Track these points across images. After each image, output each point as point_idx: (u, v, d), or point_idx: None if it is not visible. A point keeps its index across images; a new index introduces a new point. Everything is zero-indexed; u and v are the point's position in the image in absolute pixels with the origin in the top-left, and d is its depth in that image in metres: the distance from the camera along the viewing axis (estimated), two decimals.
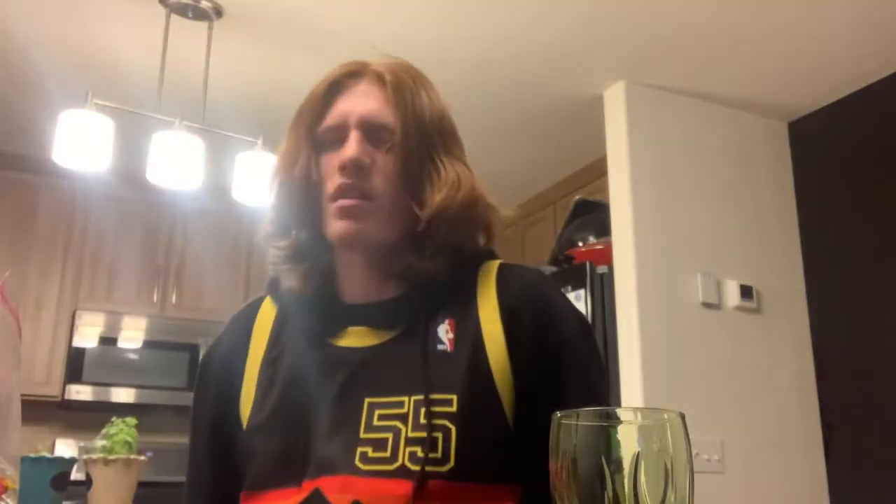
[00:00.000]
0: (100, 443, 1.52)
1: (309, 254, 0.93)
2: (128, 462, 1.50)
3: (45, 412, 3.90)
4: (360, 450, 0.80)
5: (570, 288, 3.00)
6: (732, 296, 3.05)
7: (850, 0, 2.62)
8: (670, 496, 0.48)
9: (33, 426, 3.87)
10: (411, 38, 2.88)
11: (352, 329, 0.89)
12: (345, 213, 0.87)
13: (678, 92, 3.20)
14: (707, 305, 3.00)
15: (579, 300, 2.96)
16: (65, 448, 3.91)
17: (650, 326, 2.85)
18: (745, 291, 3.07)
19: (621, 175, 3.07)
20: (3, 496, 0.74)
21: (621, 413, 0.50)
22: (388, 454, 0.78)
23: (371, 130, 0.89)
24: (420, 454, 0.77)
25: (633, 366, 2.81)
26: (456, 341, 0.85)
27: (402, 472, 0.77)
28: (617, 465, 0.48)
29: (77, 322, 3.90)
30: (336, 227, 0.88)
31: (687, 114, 3.23)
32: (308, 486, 0.80)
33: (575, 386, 0.85)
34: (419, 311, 0.88)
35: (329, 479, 0.79)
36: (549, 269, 3.25)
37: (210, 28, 2.79)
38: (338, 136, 0.90)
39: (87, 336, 3.91)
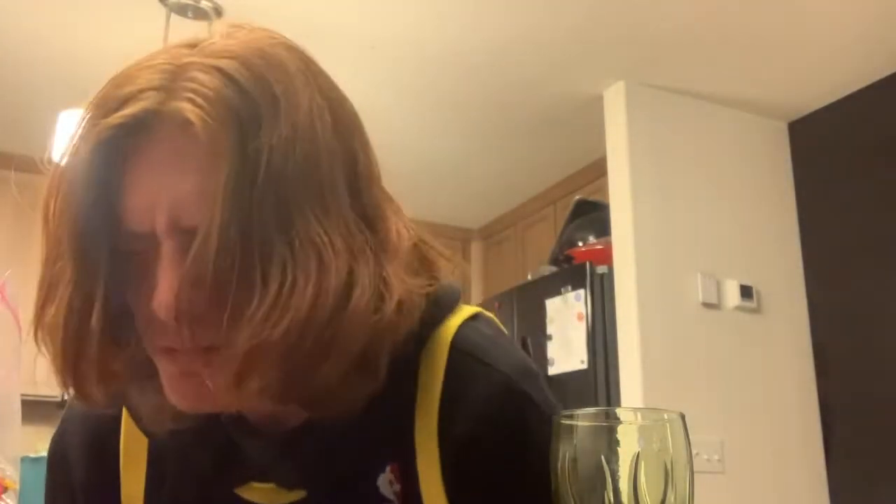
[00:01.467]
0: None
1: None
2: None
3: (45, 412, 3.90)
4: None
5: (570, 288, 3.00)
6: (732, 296, 3.05)
7: (851, 0, 2.62)
8: (670, 496, 0.48)
9: (33, 426, 3.87)
10: (411, 39, 2.88)
11: (255, 485, 0.63)
12: (180, 383, 0.57)
13: (678, 92, 3.20)
14: (707, 305, 3.00)
15: (579, 300, 2.96)
16: None
17: (650, 326, 2.85)
18: (745, 291, 3.07)
19: (621, 175, 3.07)
20: (3, 496, 0.74)
21: (621, 413, 0.50)
22: None
23: (188, 236, 0.52)
24: None
25: (633, 366, 2.81)
26: (404, 496, 0.61)
27: None
28: (617, 465, 0.48)
29: None
30: (173, 398, 0.57)
31: (687, 114, 3.23)
32: None
33: None
34: (344, 457, 0.61)
35: None
36: (549, 269, 3.26)
37: (210, 28, 2.79)
38: (139, 246, 0.54)
39: None
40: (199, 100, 0.52)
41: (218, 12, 2.75)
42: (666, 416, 0.49)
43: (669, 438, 0.49)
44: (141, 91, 0.57)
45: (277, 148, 0.52)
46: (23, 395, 0.82)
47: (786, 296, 3.21)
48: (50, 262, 0.56)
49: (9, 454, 0.77)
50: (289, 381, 0.52)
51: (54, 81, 3.16)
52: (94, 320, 0.53)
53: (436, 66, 3.04)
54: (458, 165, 3.85)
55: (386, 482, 0.61)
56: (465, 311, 0.67)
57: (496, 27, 2.80)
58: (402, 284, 0.57)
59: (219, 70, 0.54)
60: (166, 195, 0.52)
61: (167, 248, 0.53)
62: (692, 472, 0.50)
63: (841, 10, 2.67)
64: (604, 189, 3.22)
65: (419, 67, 3.04)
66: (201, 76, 0.54)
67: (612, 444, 0.49)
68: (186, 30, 2.77)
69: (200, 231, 0.51)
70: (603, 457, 0.48)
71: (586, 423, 0.50)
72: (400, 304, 0.56)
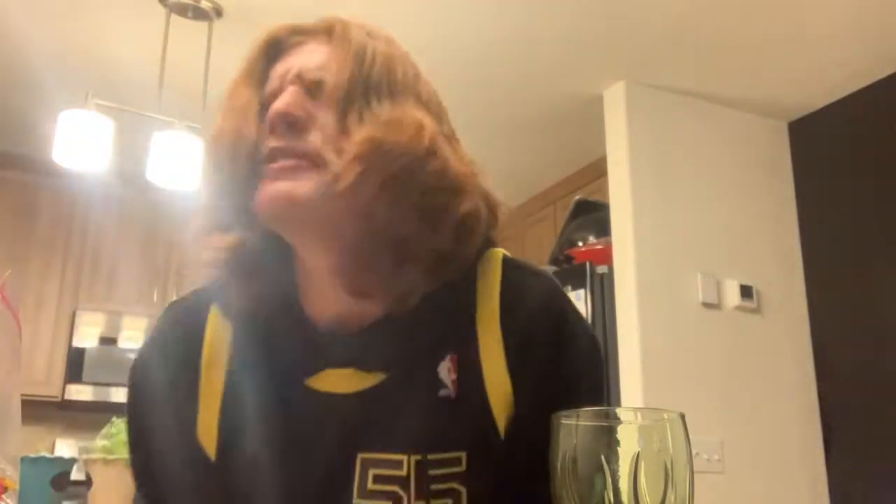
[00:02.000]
0: (100, 443, 1.52)
1: (259, 262, 0.72)
2: (128, 462, 1.50)
3: (45, 412, 3.90)
4: None
5: (570, 288, 3.00)
6: (732, 296, 3.05)
7: (850, 0, 2.62)
8: (670, 496, 0.48)
9: (33, 426, 3.87)
10: (411, 39, 2.86)
11: (332, 371, 0.72)
12: (274, 176, 0.68)
13: (678, 92, 3.20)
14: (707, 305, 3.00)
15: (579, 300, 2.96)
16: (65, 448, 3.90)
17: (650, 326, 2.85)
18: (745, 291, 3.07)
19: (621, 175, 3.07)
20: (3, 496, 0.74)
21: (621, 413, 0.50)
22: None
23: (310, 85, 0.72)
24: None
25: (633, 366, 2.81)
26: (460, 383, 0.71)
27: None
28: (617, 465, 0.48)
29: (77, 322, 3.90)
30: (262, 194, 0.68)
31: (687, 114, 3.23)
32: None
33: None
34: (414, 345, 0.72)
35: None
36: (549, 269, 3.25)
37: (210, 28, 2.79)
38: (275, 100, 0.72)
39: (87, 336, 3.91)
40: (338, 24, 0.78)
41: (218, 12, 2.75)
42: (666, 416, 0.49)
43: (669, 438, 0.49)
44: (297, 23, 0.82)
45: (378, 54, 0.75)
46: (23, 395, 0.82)
47: (786, 296, 3.21)
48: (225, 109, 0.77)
49: (9, 454, 0.77)
50: (373, 206, 0.66)
51: (54, 81, 3.16)
52: (246, 145, 0.71)
53: (435, 66, 3.03)
54: None
55: (445, 370, 0.71)
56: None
57: (496, 27, 2.80)
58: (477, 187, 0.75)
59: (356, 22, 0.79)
60: (298, 63, 0.75)
61: (289, 88, 0.72)
62: (692, 472, 0.50)
63: (841, 10, 2.67)
64: (604, 189, 3.22)
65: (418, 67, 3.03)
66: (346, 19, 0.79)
67: (612, 444, 0.49)
68: (186, 30, 2.77)
69: (324, 76, 0.72)
70: (603, 457, 0.48)
71: (586, 423, 0.50)
72: (464, 181, 0.73)
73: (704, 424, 2.77)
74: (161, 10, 2.72)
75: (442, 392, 0.71)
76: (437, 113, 0.79)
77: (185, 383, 0.75)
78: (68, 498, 1.51)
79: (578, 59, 3.02)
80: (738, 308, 3.06)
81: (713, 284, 3.03)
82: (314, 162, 0.68)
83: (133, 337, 4.00)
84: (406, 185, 0.67)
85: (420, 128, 0.70)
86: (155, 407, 0.78)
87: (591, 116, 3.26)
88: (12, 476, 0.75)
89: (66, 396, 3.81)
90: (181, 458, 0.74)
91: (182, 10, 2.72)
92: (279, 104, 0.70)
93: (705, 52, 2.93)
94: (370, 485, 0.68)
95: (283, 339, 0.74)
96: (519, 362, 0.72)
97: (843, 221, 3.16)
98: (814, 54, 2.94)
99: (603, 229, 3.13)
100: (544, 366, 0.72)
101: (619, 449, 0.49)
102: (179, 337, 0.77)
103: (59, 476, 1.42)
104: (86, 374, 3.86)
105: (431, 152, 0.70)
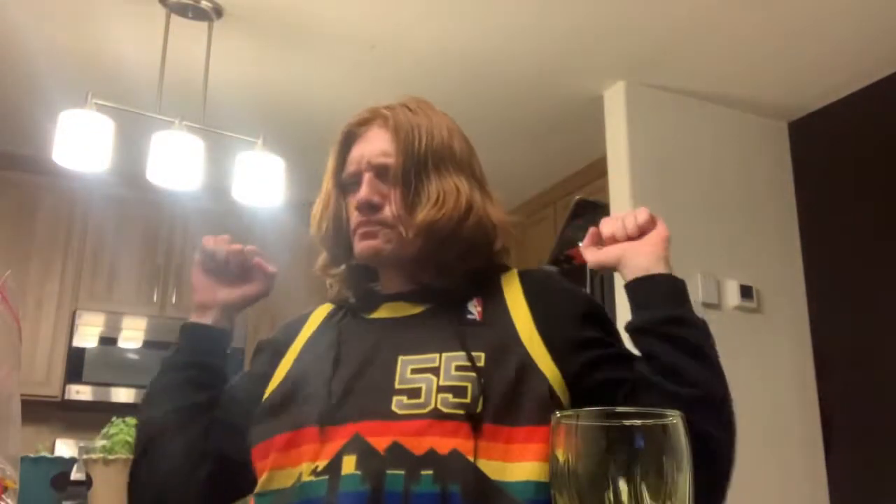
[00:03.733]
0: (100, 443, 1.52)
1: (358, 279, 1.11)
2: (128, 462, 1.50)
3: (45, 412, 3.90)
4: (395, 398, 0.89)
5: None
6: (732, 296, 3.05)
7: (851, 0, 2.62)
8: (670, 496, 0.48)
9: (33, 426, 3.87)
10: (411, 39, 2.88)
11: (386, 304, 1.04)
12: (363, 237, 1.03)
13: (678, 92, 3.20)
14: (707, 305, 3.00)
15: None
16: (65, 448, 3.91)
17: None
18: (745, 291, 3.07)
19: (621, 175, 3.07)
20: (3, 496, 0.74)
21: (621, 413, 0.50)
22: (421, 400, 0.87)
23: (380, 170, 1.04)
24: (451, 399, 0.86)
25: None
26: (484, 313, 0.98)
27: (435, 414, 0.86)
28: (617, 465, 0.48)
29: (77, 322, 3.90)
30: (358, 248, 1.04)
31: (687, 114, 3.23)
32: (349, 431, 0.87)
33: (615, 338, 1.01)
34: (450, 294, 1.01)
35: (368, 423, 0.87)
36: (549, 269, 3.26)
37: (210, 28, 2.79)
38: (356, 179, 1.06)
39: (87, 336, 3.91)
40: (389, 110, 1.08)
41: (218, 12, 2.75)
42: (666, 416, 0.49)
43: (669, 438, 0.49)
44: (362, 111, 1.12)
45: (423, 133, 1.04)
46: (23, 395, 0.82)
47: (786, 296, 3.21)
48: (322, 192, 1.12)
49: (9, 454, 0.77)
50: (431, 251, 1.02)
51: (54, 81, 3.16)
52: (332, 220, 1.09)
53: (436, 66, 3.04)
54: None
55: (472, 305, 1.00)
56: None
57: (496, 27, 2.80)
58: (498, 216, 1.08)
59: (397, 102, 1.10)
60: (369, 150, 1.05)
61: (366, 177, 1.04)
62: (692, 473, 0.50)
63: (841, 10, 2.67)
64: (604, 189, 3.22)
65: (419, 67, 3.04)
66: (391, 103, 1.10)
67: (612, 444, 0.49)
68: (186, 30, 2.77)
69: (390, 163, 1.03)
70: (603, 457, 0.48)
71: (586, 423, 0.50)
72: (494, 224, 1.06)
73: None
74: (161, 10, 2.72)
75: (468, 317, 0.98)
76: (469, 166, 1.08)
77: (283, 344, 1.07)
78: (68, 498, 1.51)
79: (578, 59, 3.02)
80: (738, 308, 3.06)
81: (713, 284, 3.03)
82: (384, 226, 1.02)
83: (133, 337, 4.00)
84: (451, 241, 1.02)
85: (458, 195, 1.02)
86: (257, 363, 1.10)
87: (591, 116, 3.26)
88: (12, 476, 0.75)
89: (66, 396, 3.81)
90: (254, 396, 1.01)
91: (182, 10, 2.72)
92: (362, 194, 1.02)
93: (705, 52, 2.93)
94: (408, 374, 0.91)
95: (358, 294, 1.09)
96: (537, 303, 0.99)
97: (843, 221, 3.16)
98: (814, 54, 2.94)
99: None
100: (559, 304, 1.00)
101: (619, 449, 0.49)
102: (292, 324, 1.12)
103: (59, 476, 1.42)
104: (86, 374, 3.86)
105: (468, 211, 1.02)
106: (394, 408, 0.88)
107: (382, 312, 1.04)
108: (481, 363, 0.90)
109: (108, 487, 1.49)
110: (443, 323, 0.97)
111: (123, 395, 3.92)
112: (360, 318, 1.04)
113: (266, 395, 0.99)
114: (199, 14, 2.74)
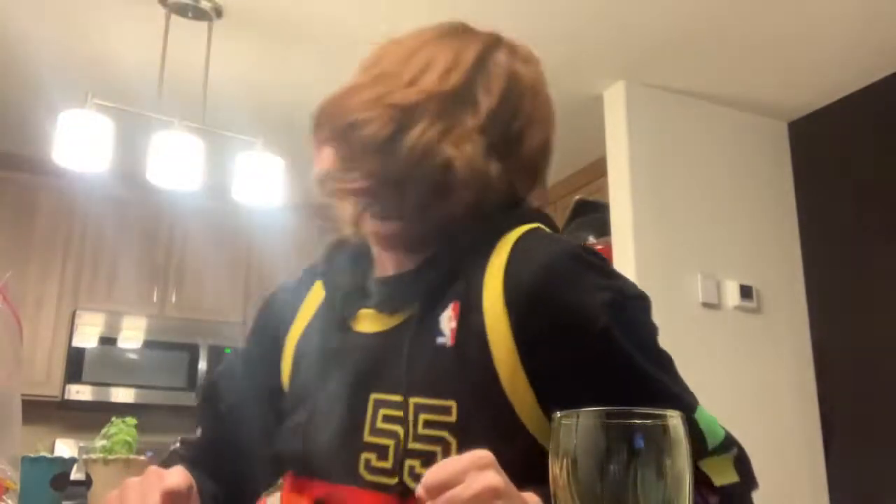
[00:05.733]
0: (100, 443, 1.52)
1: (354, 253, 0.93)
2: (128, 462, 1.50)
3: (45, 412, 3.90)
4: (364, 456, 0.76)
5: None
6: (732, 296, 3.05)
7: (851, 0, 2.62)
8: (670, 496, 0.48)
9: (33, 426, 3.87)
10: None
11: (363, 312, 0.86)
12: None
13: (678, 92, 3.20)
14: (707, 305, 3.00)
15: None
16: (65, 448, 3.91)
17: None
18: (745, 291, 3.07)
19: (621, 175, 3.07)
20: (4, 496, 0.74)
21: (621, 413, 0.50)
22: (388, 464, 0.75)
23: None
24: (419, 470, 0.71)
25: None
26: (458, 332, 0.76)
27: (401, 488, 0.73)
28: (617, 465, 0.48)
29: (77, 322, 3.90)
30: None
31: (687, 114, 3.23)
32: (317, 492, 0.79)
33: (615, 382, 0.72)
34: (427, 290, 0.80)
35: (336, 488, 0.77)
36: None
37: (210, 28, 2.79)
38: None
39: (87, 336, 3.91)
40: None
41: (218, 12, 2.75)
42: (666, 416, 0.49)
43: (669, 438, 0.49)
44: None
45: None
46: (23, 395, 0.82)
47: (786, 296, 3.21)
48: None
49: (9, 454, 0.77)
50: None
51: (54, 81, 3.16)
52: None
53: None
54: None
55: (445, 319, 0.77)
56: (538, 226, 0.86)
57: (495, 27, 2.80)
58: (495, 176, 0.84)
59: None
60: None
61: None
62: (692, 473, 0.50)
63: (841, 11, 2.67)
64: (604, 189, 3.22)
65: None
66: None
67: (612, 444, 0.49)
68: (186, 30, 2.77)
69: None
70: (603, 457, 0.48)
71: (586, 423, 0.50)
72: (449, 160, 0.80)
73: None
74: (161, 11, 2.72)
75: (439, 340, 0.77)
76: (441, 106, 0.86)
77: (285, 320, 0.94)
78: (68, 498, 1.51)
79: (578, 59, 3.02)
80: (738, 308, 3.06)
81: (713, 284, 3.03)
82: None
83: (133, 337, 4.00)
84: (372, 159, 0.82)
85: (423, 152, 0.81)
86: (268, 324, 0.98)
87: (591, 116, 3.26)
88: (13, 477, 0.75)
89: (66, 396, 3.81)
90: (266, 385, 0.92)
91: (182, 11, 2.72)
92: None
93: (705, 52, 2.93)
94: (379, 423, 0.77)
95: (343, 285, 0.89)
96: (520, 322, 0.74)
97: (843, 221, 3.16)
98: (814, 54, 2.94)
99: (603, 229, 3.13)
100: (550, 331, 0.73)
101: (618, 449, 0.49)
102: (295, 290, 0.96)
103: (59, 476, 1.42)
104: (86, 374, 3.86)
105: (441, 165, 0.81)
106: (361, 470, 0.76)
107: (362, 324, 0.85)
108: (452, 416, 0.73)
109: (108, 487, 1.49)
110: (415, 348, 0.78)
111: (123, 395, 3.92)
112: (342, 325, 0.87)
113: (284, 387, 0.91)
114: (199, 14, 2.74)
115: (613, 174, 3.11)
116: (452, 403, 0.73)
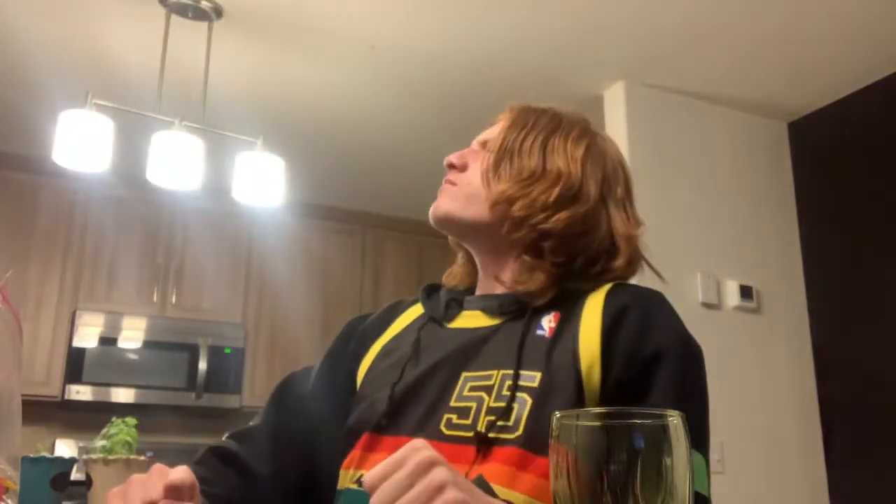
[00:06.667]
0: (100, 443, 1.52)
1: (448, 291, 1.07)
2: (128, 462, 1.50)
3: (45, 412, 3.90)
4: (446, 416, 0.86)
5: None
6: (732, 296, 3.05)
7: (851, 0, 2.62)
8: (670, 497, 0.48)
9: (33, 426, 3.87)
10: (411, 39, 2.88)
11: (466, 313, 0.98)
12: (438, 195, 1.02)
13: (678, 92, 3.20)
14: (707, 305, 3.00)
15: None
16: (65, 448, 3.91)
17: None
18: (745, 291, 3.07)
19: None
20: (4, 497, 0.74)
21: (621, 413, 0.50)
22: (469, 421, 0.84)
23: (482, 143, 1.04)
24: (498, 423, 0.82)
25: None
26: (555, 330, 0.89)
27: (479, 438, 0.81)
28: (617, 465, 0.48)
29: (77, 322, 3.90)
30: (431, 209, 1.01)
31: (687, 114, 3.23)
32: (395, 444, 0.83)
33: (662, 398, 0.82)
34: (528, 305, 0.93)
35: (410, 440, 0.81)
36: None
37: (210, 28, 2.79)
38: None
39: (87, 336, 3.91)
40: (515, 106, 1.09)
41: (218, 12, 2.75)
42: (666, 416, 0.49)
43: (669, 438, 0.49)
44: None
45: (538, 122, 1.03)
46: (23, 395, 0.82)
47: (786, 296, 3.21)
48: None
49: (9, 454, 0.77)
50: (502, 230, 0.96)
51: (54, 81, 3.16)
52: None
53: (436, 66, 3.04)
54: None
55: (546, 320, 0.91)
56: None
57: (496, 27, 2.80)
58: (622, 227, 1.03)
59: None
60: (486, 135, 1.05)
61: (475, 147, 1.05)
62: (692, 473, 0.50)
63: (841, 11, 2.67)
64: None
65: (419, 67, 3.04)
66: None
67: (612, 444, 0.49)
68: (186, 30, 2.77)
69: (490, 137, 1.03)
70: (603, 457, 0.48)
71: (586, 423, 0.50)
72: (612, 231, 1.01)
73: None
74: (161, 11, 2.72)
75: (538, 332, 0.90)
76: (606, 178, 1.01)
77: (376, 330, 1.05)
78: (68, 498, 1.51)
79: (578, 59, 3.02)
80: (738, 308, 3.06)
81: (713, 284, 3.03)
82: (460, 185, 1.00)
83: (133, 337, 4.00)
84: (529, 225, 0.94)
85: (560, 177, 0.96)
86: (351, 339, 1.07)
87: (591, 116, 3.24)
88: (13, 477, 0.75)
89: (66, 396, 3.81)
90: (344, 375, 1.02)
91: (182, 11, 2.72)
92: (449, 156, 1.03)
93: (705, 52, 2.93)
94: (465, 392, 0.88)
95: (444, 297, 1.03)
96: (612, 326, 0.86)
97: (843, 221, 3.16)
98: (814, 54, 2.94)
99: None
100: (631, 335, 0.85)
101: (618, 449, 0.49)
102: (393, 309, 1.09)
103: (59, 476, 1.42)
104: (86, 374, 3.86)
105: (569, 200, 0.95)
106: (442, 426, 0.86)
107: (460, 322, 0.98)
108: (535, 383, 0.84)
109: (108, 487, 1.49)
110: (511, 337, 0.90)
111: (123, 395, 3.92)
112: (440, 325, 0.99)
113: (360, 376, 0.99)
114: (199, 14, 2.74)
115: None
116: (538, 374, 0.85)
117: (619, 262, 0.99)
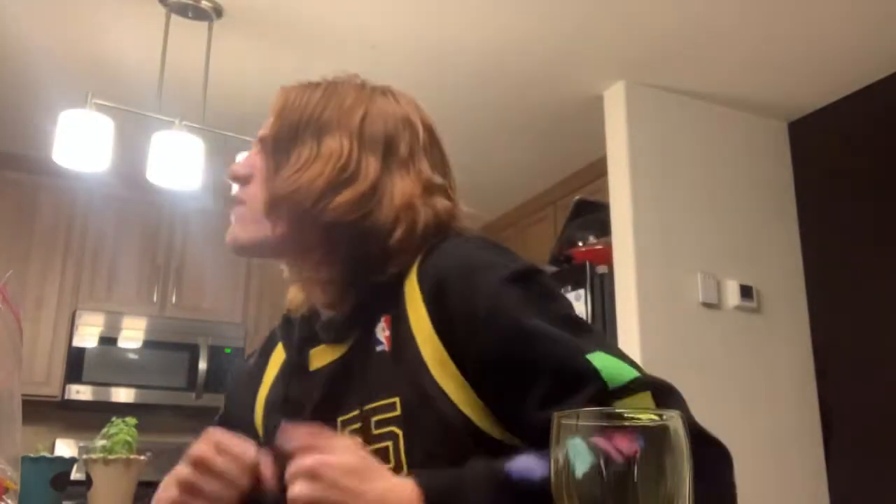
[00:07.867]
0: (100, 443, 1.52)
1: (289, 326, 1.01)
2: (128, 462, 1.50)
3: (45, 412, 3.90)
4: None
5: (569, 288, 3.00)
6: (732, 296, 3.05)
7: (850, 0, 2.62)
8: (670, 497, 0.48)
9: (33, 426, 3.87)
10: (411, 39, 2.88)
11: (315, 351, 0.92)
12: (231, 218, 0.94)
13: (678, 92, 3.20)
14: (707, 305, 3.00)
15: (579, 300, 2.96)
16: (65, 448, 3.91)
17: (650, 326, 2.85)
18: (745, 291, 3.07)
19: (621, 175, 3.06)
20: (4, 497, 0.74)
21: (621, 413, 0.50)
22: None
23: (260, 142, 0.92)
24: None
25: None
26: (392, 338, 0.82)
27: None
28: (617, 466, 0.48)
29: (77, 322, 3.90)
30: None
31: (687, 114, 3.23)
32: None
33: (525, 351, 0.74)
34: (364, 316, 0.85)
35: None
36: (549, 269, 3.26)
37: (210, 28, 2.79)
38: None
39: (87, 336, 3.91)
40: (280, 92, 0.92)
41: (218, 12, 2.75)
42: (666, 416, 0.49)
43: (669, 438, 0.49)
44: None
45: (307, 104, 0.88)
46: (23, 395, 0.82)
47: (786, 296, 3.21)
48: None
49: (9, 454, 0.77)
50: (298, 236, 0.87)
51: (54, 81, 3.16)
52: None
53: (436, 66, 3.04)
54: (457, 165, 3.84)
55: (380, 329, 0.83)
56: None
57: (496, 27, 2.80)
58: (403, 191, 0.86)
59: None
60: (262, 130, 0.92)
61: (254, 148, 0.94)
62: (692, 473, 0.50)
63: (841, 11, 2.67)
64: (604, 189, 3.22)
65: (419, 67, 3.04)
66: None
67: (612, 444, 0.49)
68: (186, 30, 2.77)
69: (265, 132, 0.90)
70: (602, 457, 0.48)
71: (586, 423, 0.50)
72: (395, 202, 0.85)
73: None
74: (161, 10, 2.72)
75: (378, 349, 0.83)
76: (390, 143, 0.88)
77: (255, 379, 1.01)
78: (68, 498, 1.51)
79: (578, 59, 3.02)
80: (738, 308, 3.06)
81: (713, 284, 3.03)
82: (244, 203, 0.91)
83: (133, 337, 4.00)
84: (315, 219, 0.84)
85: (330, 158, 0.84)
86: (239, 386, 1.06)
87: (591, 116, 3.26)
88: (13, 477, 0.75)
89: (66, 396, 3.81)
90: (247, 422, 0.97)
91: (182, 10, 2.72)
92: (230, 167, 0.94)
93: (705, 52, 2.93)
94: None
95: (295, 334, 0.96)
96: (437, 309, 0.79)
97: (843, 221, 3.16)
98: (814, 54, 2.94)
99: (603, 229, 3.13)
100: (461, 308, 0.77)
101: (618, 449, 0.49)
102: (264, 348, 1.05)
103: (59, 476, 1.42)
104: (86, 374, 3.86)
105: (347, 180, 0.84)
106: None
107: (316, 361, 0.91)
108: (397, 411, 0.78)
109: (108, 487, 1.49)
110: (361, 366, 0.84)
111: (123, 395, 3.92)
112: (299, 370, 0.93)
113: (258, 424, 0.98)
114: (199, 14, 2.74)
115: (613, 174, 3.11)
116: (396, 399, 0.79)
117: (398, 234, 0.83)
